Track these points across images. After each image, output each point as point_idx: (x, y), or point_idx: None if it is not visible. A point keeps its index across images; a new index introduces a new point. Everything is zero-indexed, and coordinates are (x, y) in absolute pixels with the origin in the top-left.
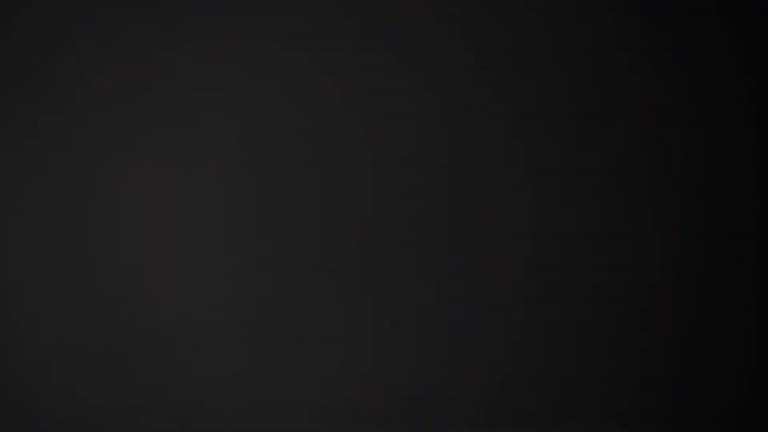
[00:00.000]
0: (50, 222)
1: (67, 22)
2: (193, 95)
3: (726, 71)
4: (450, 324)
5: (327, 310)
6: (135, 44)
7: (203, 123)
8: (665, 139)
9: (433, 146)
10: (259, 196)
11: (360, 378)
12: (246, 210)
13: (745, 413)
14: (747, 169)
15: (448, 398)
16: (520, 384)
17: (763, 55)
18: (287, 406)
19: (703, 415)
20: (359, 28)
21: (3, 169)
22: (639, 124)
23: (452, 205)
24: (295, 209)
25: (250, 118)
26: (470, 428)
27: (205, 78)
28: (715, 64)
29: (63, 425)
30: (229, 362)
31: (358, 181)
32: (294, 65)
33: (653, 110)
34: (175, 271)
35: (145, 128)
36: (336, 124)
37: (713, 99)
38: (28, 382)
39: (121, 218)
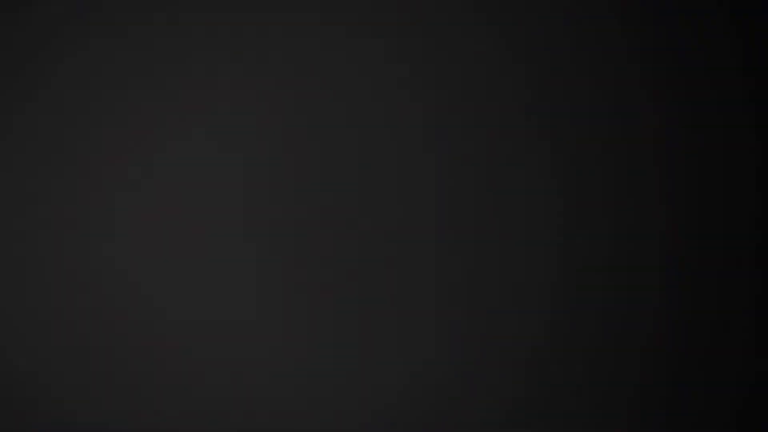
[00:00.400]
0: (49, 222)
1: (68, 20)
2: (194, 93)
3: (726, 71)
4: (449, 326)
5: (332, 312)
6: (136, 43)
7: (202, 121)
8: (664, 139)
9: (435, 147)
10: (263, 195)
11: (362, 379)
12: (249, 208)
13: (745, 413)
14: (747, 169)
15: (449, 399)
16: (520, 385)
17: (763, 55)
18: (289, 407)
19: (703, 415)
20: (369, 25)
21: (3, 169)
22: (640, 125)
23: (454, 206)
24: (298, 210)
25: (253, 116)
26: (471, 429)
27: (206, 75)
28: (715, 64)
29: (63, 425)
30: (230, 363)
31: (368, 181)
32: (298, 61)
33: (654, 110)
34: (174, 272)
35: (144, 127)
36: (347, 123)
37: (713, 99)
38: (27, 383)
39: (120, 219)
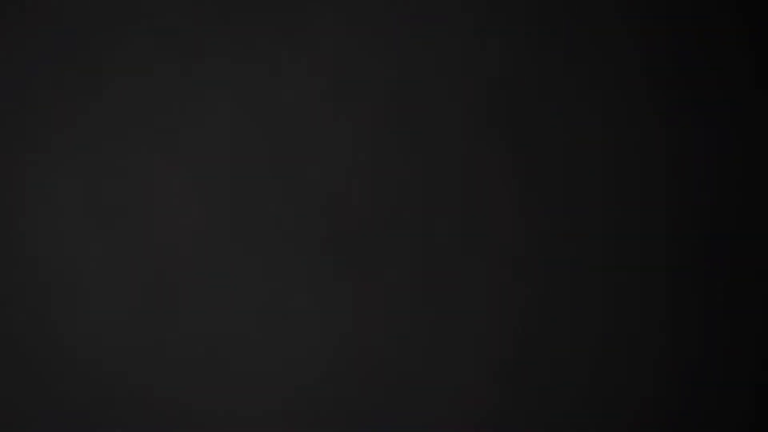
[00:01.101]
0: (52, 222)
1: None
2: (196, 92)
3: (727, 71)
4: (450, 326)
5: (333, 310)
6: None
7: (203, 121)
8: (664, 140)
9: (436, 144)
10: (262, 194)
11: (361, 377)
12: (247, 207)
13: (749, 414)
14: (748, 170)
15: (450, 400)
16: (521, 387)
17: (763, 55)
18: (286, 404)
19: (709, 415)
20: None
21: (41, 168)
22: (640, 126)
23: (453, 205)
24: (298, 206)
25: (250, 115)
26: (470, 429)
27: (206, 75)
28: (717, 64)
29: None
30: (233, 358)
31: (363, 179)
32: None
33: (658, 111)
34: (175, 272)
35: (143, 127)
36: (340, 122)
37: (717, 99)
38: (29, 382)
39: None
